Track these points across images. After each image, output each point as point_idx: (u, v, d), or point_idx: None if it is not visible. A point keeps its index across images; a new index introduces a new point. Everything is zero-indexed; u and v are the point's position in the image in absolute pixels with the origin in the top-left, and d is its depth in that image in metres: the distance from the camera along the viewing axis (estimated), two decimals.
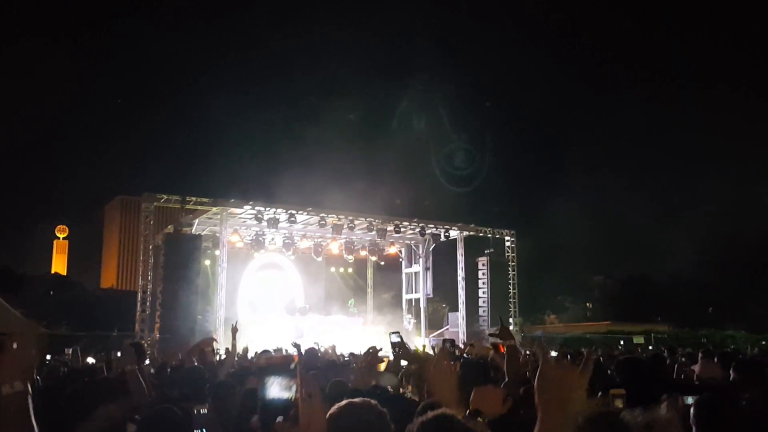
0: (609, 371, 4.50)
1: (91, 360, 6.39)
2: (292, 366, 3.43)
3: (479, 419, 1.65)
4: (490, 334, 6.72)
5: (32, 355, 1.80)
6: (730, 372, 4.01)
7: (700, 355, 5.64)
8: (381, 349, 3.71)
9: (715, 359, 4.93)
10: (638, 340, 24.88)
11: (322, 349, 9.03)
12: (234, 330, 6.70)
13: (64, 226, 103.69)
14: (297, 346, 6.79)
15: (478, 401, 2.02)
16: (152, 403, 3.11)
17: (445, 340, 6.00)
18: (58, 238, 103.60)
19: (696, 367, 4.00)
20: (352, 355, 9.20)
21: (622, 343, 23.72)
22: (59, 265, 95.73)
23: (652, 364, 4.95)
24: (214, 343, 7.83)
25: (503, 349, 4.25)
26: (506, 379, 3.49)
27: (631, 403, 2.22)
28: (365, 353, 3.36)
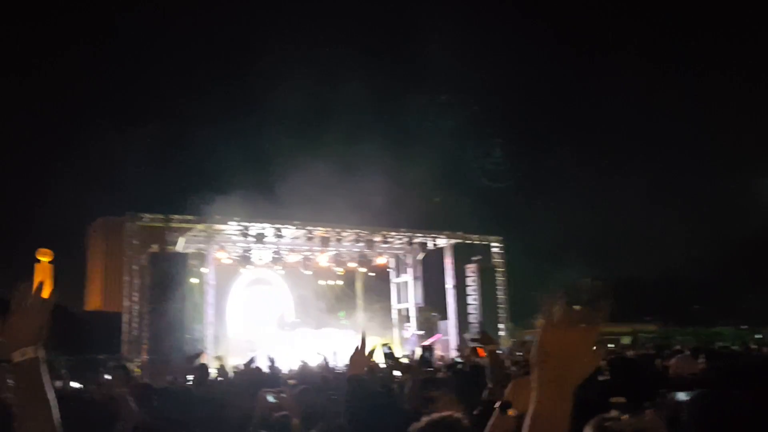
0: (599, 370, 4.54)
1: (76, 384, 6.29)
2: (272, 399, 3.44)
3: (509, 412, 1.54)
4: (471, 339, 6.65)
5: (43, 318, 1.71)
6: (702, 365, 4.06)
7: (687, 352, 5.70)
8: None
9: (703, 356, 4.99)
10: (625, 340, 25.06)
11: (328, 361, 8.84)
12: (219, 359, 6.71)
13: (47, 249, 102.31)
14: (271, 359, 6.78)
15: (512, 393, 1.83)
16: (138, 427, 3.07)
17: (383, 344, 5.58)
18: (39, 261, 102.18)
19: (672, 362, 4.04)
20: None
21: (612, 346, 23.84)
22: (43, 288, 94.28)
23: (641, 362, 5.00)
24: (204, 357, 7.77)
25: (483, 353, 4.25)
26: (490, 385, 3.49)
27: (626, 402, 2.23)
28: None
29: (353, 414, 2.67)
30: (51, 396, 1.64)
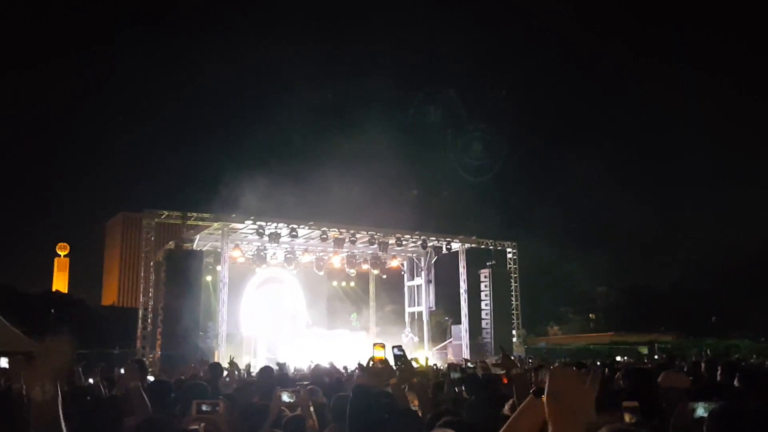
0: (615, 380, 4.47)
1: (92, 381, 6.36)
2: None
3: (543, 398, 1.53)
4: (493, 365, 6.39)
5: (64, 360, 1.82)
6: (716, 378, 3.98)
7: (703, 364, 5.61)
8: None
9: (719, 369, 4.90)
10: (642, 350, 24.74)
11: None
12: (231, 363, 6.75)
13: (66, 244, 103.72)
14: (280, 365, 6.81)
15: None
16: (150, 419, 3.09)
17: (394, 346, 5.15)
18: (59, 255, 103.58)
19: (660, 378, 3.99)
20: (360, 367, 9.09)
21: (625, 358, 23.57)
22: (60, 282, 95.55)
23: (657, 373, 4.91)
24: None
25: (506, 381, 4.12)
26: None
27: (641, 413, 2.20)
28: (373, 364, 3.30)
29: (355, 422, 2.64)
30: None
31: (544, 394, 1.45)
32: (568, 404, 1.40)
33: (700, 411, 2.25)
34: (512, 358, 4.13)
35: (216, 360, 14.37)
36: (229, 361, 8.56)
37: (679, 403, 2.76)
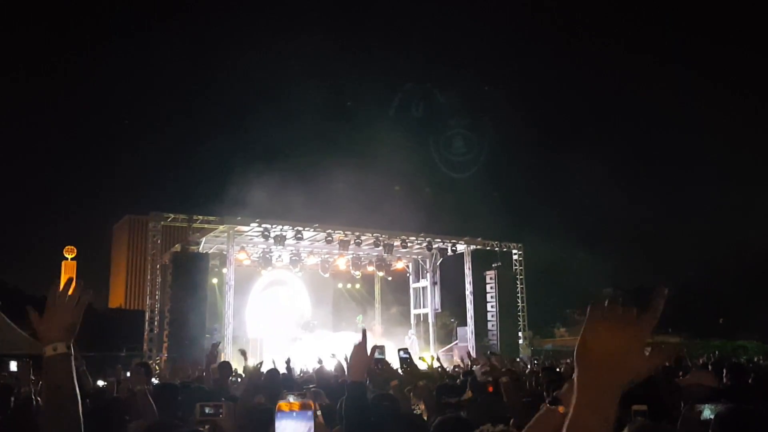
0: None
1: (101, 383, 6.39)
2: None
3: (559, 408, 1.46)
4: (483, 373, 6.24)
5: (76, 315, 1.75)
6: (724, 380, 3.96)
7: (709, 366, 5.58)
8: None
9: (725, 370, 4.88)
10: None
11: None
12: (243, 353, 6.72)
13: (73, 247, 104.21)
14: (288, 360, 6.77)
15: (567, 392, 1.70)
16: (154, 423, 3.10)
17: (400, 349, 4.87)
18: (67, 258, 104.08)
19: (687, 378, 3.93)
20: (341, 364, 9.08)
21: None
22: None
23: (664, 375, 4.89)
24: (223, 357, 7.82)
25: (491, 389, 3.99)
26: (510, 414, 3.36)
27: (649, 415, 2.19)
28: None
29: (351, 425, 2.57)
30: (78, 392, 1.68)
31: (560, 404, 1.36)
32: (602, 369, 1.05)
33: (707, 413, 2.24)
34: (502, 363, 4.06)
35: (225, 360, 14.39)
36: (240, 350, 8.55)
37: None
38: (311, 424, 1.42)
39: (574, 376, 1.08)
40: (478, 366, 5.12)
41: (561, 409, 1.38)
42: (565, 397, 1.62)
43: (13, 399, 4.33)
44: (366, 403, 2.62)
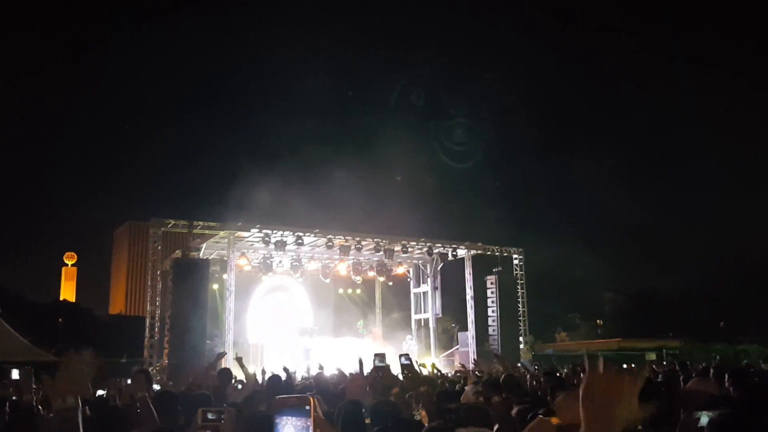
0: None
1: (100, 392, 6.38)
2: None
3: (552, 420, 1.51)
4: (475, 392, 6.07)
5: (87, 373, 1.91)
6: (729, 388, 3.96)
7: (711, 371, 5.56)
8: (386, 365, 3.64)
9: (726, 375, 4.87)
10: (650, 356, 24.56)
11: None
12: (239, 360, 6.72)
13: (73, 253, 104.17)
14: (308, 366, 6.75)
15: (562, 404, 1.84)
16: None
17: (401, 355, 4.96)
18: (67, 264, 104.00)
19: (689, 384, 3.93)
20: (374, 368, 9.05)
21: (633, 365, 23.39)
22: (68, 291, 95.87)
23: (666, 381, 4.90)
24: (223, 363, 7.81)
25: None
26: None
27: (650, 422, 2.20)
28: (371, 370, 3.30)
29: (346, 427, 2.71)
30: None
31: (554, 416, 1.43)
32: (605, 404, 1.28)
33: (704, 419, 2.25)
34: (506, 366, 4.06)
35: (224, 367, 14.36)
36: (236, 358, 8.55)
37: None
38: (309, 422, 1.44)
39: (582, 413, 1.28)
40: (469, 387, 5.10)
41: (555, 420, 1.42)
42: (560, 407, 1.64)
43: (9, 409, 4.31)
44: (361, 416, 2.86)
